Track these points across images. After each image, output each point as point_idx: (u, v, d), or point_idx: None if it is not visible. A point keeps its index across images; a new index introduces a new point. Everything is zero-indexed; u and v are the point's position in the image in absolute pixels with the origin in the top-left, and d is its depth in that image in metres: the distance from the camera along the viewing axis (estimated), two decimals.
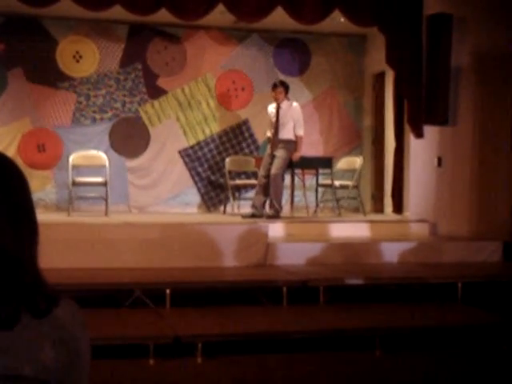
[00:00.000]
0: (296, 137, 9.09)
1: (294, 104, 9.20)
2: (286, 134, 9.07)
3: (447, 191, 8.81)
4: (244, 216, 8.96)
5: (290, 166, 9.37)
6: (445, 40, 8.62)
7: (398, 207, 9.94)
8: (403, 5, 8.76)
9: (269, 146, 9.26)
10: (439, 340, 5.70)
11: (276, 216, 8.87)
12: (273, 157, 9.06)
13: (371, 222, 8.94)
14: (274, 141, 9.12)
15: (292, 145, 9.05)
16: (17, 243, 1.23)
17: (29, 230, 1.27)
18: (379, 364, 5.31)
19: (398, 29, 8.82)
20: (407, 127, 9.35)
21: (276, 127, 9.12)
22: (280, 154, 8.99)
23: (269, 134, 9.38)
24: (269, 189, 8.98)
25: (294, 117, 9.08)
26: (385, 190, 10.74)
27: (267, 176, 9.01)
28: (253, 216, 8.86)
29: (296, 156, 9.08)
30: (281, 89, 9.12)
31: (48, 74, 10.37)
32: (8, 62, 10.22)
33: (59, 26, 10.38)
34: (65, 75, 10.47)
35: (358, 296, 6.51)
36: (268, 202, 9.06)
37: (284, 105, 9.12)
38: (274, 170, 8.98)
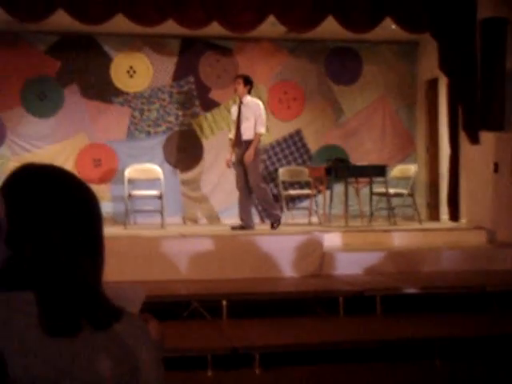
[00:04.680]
0: (255, 134, 8.72)
1: (257, 101, 8.95)
2: (248, 133, 8.73)
3: (505, 197, 8.65)
4: (233, 228, 8.78)
5: (343, 175, 9.33)
6: (499, 44, 8.49)
7: (455, 215, 9.79)
8: (456, 10, 8.66)
9: (233, 155, 8.97)
10: (499, 349, 5.60)
11: (278, 223, 8.81)
12: (242, 165, 8.77)
13: (427, 230, 8.84)
14: (237, 142, 8.85)
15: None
16: (79, 262, 1.27)
17: (92, 249, 1.30)
18: (439, 373, 5.24)
19: (450, 34, 8.73)
20: (462, 133, 9.22)
21: (238, 125, 8.84)
22: (249, 164, 8.69)
23: (230, 135, 9.09)
24: (254, 200, 8.94)
25: (256, 113, 8.75)
26: (440, 197, 10.60)
27: (243, 187, 8.83)
28: (242, 228, 8.71)
29: (247, 157, 8.64)
30: (240, 80, 8.87)
31: (103, 90, 10.55)
32: (64, 79, 10.42)
33: (113, 42, 10.56)
34: (119, 90, 10.63)
35: (416, 305, 6.43)
36: (265, 214, 9.00)
37: (245, 101, 8.84)
38: (252, 185, 8.75)
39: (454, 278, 7.17)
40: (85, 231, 1.30)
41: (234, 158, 8.98)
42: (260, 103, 8.94)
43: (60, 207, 1.27)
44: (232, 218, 10.68)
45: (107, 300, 1.29)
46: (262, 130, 8.77)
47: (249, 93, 8.90)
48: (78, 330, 1.22)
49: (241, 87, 8.81)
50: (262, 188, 8.85)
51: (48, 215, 1.26)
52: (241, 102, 8.88)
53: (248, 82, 8.89)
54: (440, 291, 6.65)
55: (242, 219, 8.87)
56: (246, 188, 8.84)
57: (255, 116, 8.74)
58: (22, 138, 10.33)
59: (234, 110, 9.01)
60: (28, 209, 1.26)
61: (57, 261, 1.25)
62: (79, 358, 1.21)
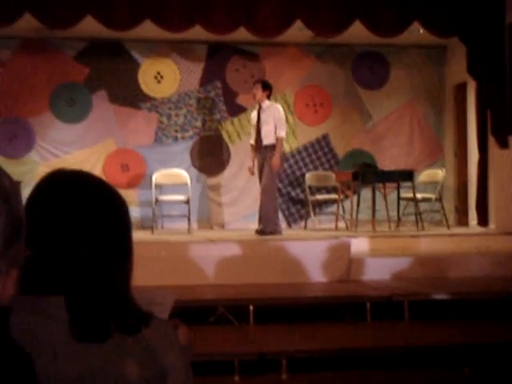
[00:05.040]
0: (277, 139, 8.66)
1: (276, 105, 8.93)
2: (268, 137, 8.67)
3: None
4: (258, 232, 8.67)
5: (370, 180, 9.29)
6: None
7: (483, 220, 9.71)
8: (484, 14, 8.60)
9: (255, 160, 8.89)
10: None
11: (265, 234, 8.52)
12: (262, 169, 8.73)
13: (455, 235, 8.77)
14: (258, 147, 8.79)
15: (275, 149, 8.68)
16: (109, 266, 1.27)
17: (122, 254, 1.31)
18: (468, 381, 5.19)
19: (479, 38, 8.67)
20: (491, 138, 9.15)
21: (258, 130, 8.78)
22: (267, 165, 8.62)
23: (251, 141, 9.02)
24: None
25: (275, 116, 8.69)
26: (469, 202, 10.52)
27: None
28: (270, 233, 8.61)
29: (275, 162, 8.57)
30: (258, 85, 8.82)
31: (131, 96, 10.62)
32: (92, 85, 10.51)
33: (140, 48, 10.63)
34: (147, 96, 10.70)
35: (444, 311, 6.37)
36: (261, 219, 8.75)
37: (265, 105, 8.80)
38: (263, 188, 8.67)
39: (483, 284, 7.10)
40: (114, 236, 1.31)
41: (256, 162, 8.94)
42: (279, 107, 8.90)
43: (90, 212, 1.28)
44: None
45: (136, 305, 1.30)
46: (282, 133, 8.71)
47: (268, 98, 8.86)
48: (108, 335, 1.23)
49: (259, 92, 8.78)
50: (272, 196, 8.70)
51: (78, 220, 1.27)
52: (260, 107, 8.85)
53: (266, 87, 8.85)
54: (469, 297, 6.57)
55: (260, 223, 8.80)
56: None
57: (274, 120, 8.68)
58: (51, 144, 10.44)
59: (254, 115, 8.98)
60: (59, 214, 1.27)
61: (87, 266, 1.25)
62: (108, 363, 1.22)
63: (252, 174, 9.08)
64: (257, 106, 9.00)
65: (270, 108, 8.80)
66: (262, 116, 8.79)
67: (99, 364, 1.22)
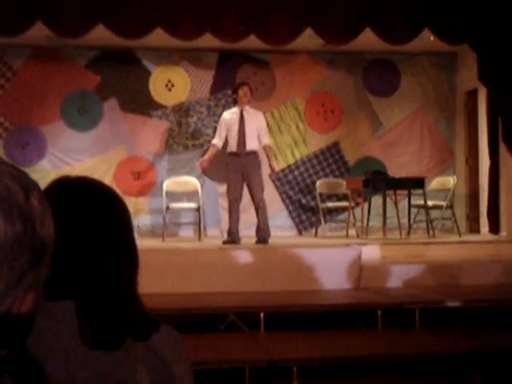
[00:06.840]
0: (265, 147, 8.53)
1: (259, 111, 8.76)
2: (253, 144, 8.44)
3: None
4: (225, 242, 8.48)
5: (381, 187, 9.28)
6: None
7: (495, 227, 9.67)
8: (494, 20, 8.59)
9: (231, 161, 8.53)
10: None
11: (265, 242, 8.42)
12: (242, 176, 8.45)
13: (467, 242, 8.74)
14: (239, 151, 8.44)
15: (258, 156, 8.52)
16: (117, 272, 1.28)
17: (128, 259, 1.32)
18: None
19: (489, 44, 8.66)
20: (502, 144, 9.12)
21: (242, 136, 8.43)
22: (255, 174, 8.43)
23: (215, 141, 8.77)
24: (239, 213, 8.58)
25: (260, 124, 8.55)
26: (480, 209, 10.48)
27: (239, 198, 8.54)
28: (233, 242, 8.40)
29: (274, 173, 8.60)
30: (247, 88, 8.59)
31: (141, 104, 10.66)
32: (103, 93, 10.56)
33: (151, 56, 10.67)
34: (157, 104, 10.73)
35: (455, 318, 6.35)
36: (259, 230, 8.53)
37: (248, 110, 8.58)
38: (258, 196, 8.45)
39: (495, 292, 7.07)
40: (123, 242, 1.32)
41: (233, 166, 8.52)
42: (261, 113, 8.83)
43: (98, 218, 1.29)
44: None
45: (145, 310, 1.31)
46: (268, 141, 8.73)
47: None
48: (121, 342, 1.23)
49: (248, 95, 8.61)
50: (264, 203, 8.59)
51: (80, 225, 1.28)
52: (242, 111, 8.59)
53: (251, 92, 8.76)
54: (480, 305, 6.55)
55: (230, 234, 8.62)
56: (240, 199, 8.62)
57: (259, 128, 8.54)
58: (63, 152, 10.48)
59: (234, 118, 8.59)
60: (62, 220, 1.28)
61: (91, 270, 1.26)
62: (119, 369, 1.23)
63: (203, 167, 9.15)
64: (236, 109, 8.69)
65: (256, 115, 8.62)
66: (247, 121, 8.51)
67: (110, 369, 1.22)
